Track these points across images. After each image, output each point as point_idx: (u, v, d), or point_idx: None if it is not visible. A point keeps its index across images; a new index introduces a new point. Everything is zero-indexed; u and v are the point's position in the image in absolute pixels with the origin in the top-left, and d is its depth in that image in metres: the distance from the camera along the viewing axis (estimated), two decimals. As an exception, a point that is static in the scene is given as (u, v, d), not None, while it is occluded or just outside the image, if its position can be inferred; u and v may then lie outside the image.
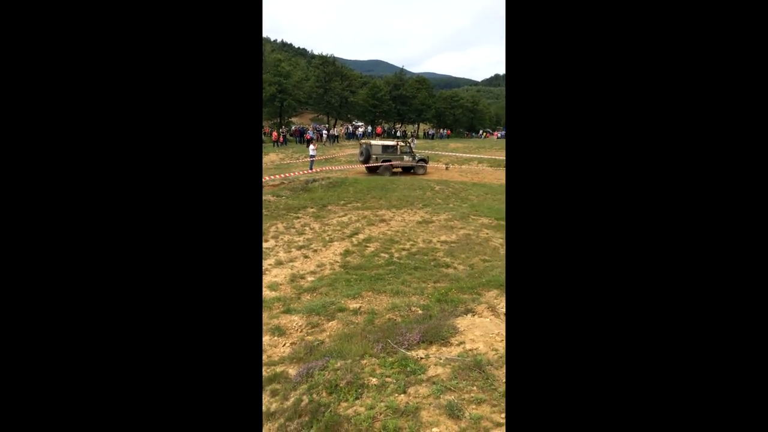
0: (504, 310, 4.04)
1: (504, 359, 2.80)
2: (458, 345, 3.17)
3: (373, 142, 17.44)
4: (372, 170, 15.92)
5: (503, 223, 8.95)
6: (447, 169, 18.19)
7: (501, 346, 3.03)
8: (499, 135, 48.47)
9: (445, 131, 40.99)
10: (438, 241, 7.50)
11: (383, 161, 15.98)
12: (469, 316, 3.89)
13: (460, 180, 15.27)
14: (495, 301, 4.32)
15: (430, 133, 40.11)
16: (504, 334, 3.24)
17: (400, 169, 16.51)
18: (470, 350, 3.03)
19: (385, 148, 16.39)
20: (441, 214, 9.61)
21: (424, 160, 17.10)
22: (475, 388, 2.47)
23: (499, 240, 7.60)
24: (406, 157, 16.54)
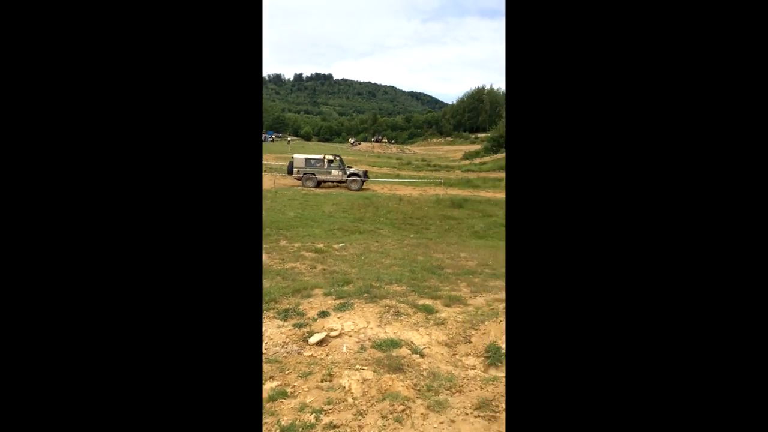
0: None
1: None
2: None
3: (295, 155, 16.65)
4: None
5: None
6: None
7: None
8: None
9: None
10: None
11: (305, 174, 15.56)
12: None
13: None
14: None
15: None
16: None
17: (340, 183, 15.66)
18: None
19: (308, 161, 15.97)
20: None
21: (358, 175, 16.09)
22: None
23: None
24: (334, 171, 15.86)
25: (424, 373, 2.84)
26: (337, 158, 16.53)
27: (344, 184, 15.92)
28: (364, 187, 16.05)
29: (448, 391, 2.57)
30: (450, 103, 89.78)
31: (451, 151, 41.80)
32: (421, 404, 2.32)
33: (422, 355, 3.21)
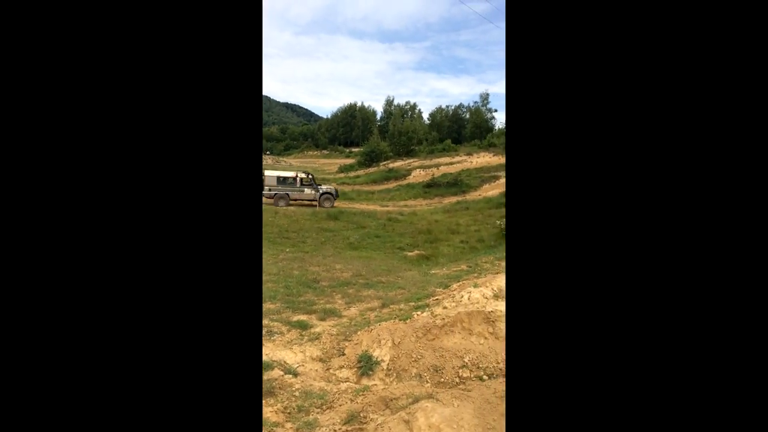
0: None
1: None
2: None
3: (267, 173, 16.03)
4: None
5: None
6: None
7: None
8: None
9: None
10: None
11: (277, 193, 15.30)
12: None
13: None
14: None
15: None
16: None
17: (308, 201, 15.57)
18: None
19: (280, 179, 15.75)
20: None
21: (330, 194, 16.03)
22: None
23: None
24: (306, 190, 15.78)
25: (297, 394, 2.74)
26: (309, 176, 16.44)
27: (315, 203, 15.87)
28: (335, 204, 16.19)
29: (319, 409, 2.52)
30: (325, 116, 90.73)
31: (327, 164, 42.20)
32: (291, 428, 2.22)
33: (295, 375, 3.10)
